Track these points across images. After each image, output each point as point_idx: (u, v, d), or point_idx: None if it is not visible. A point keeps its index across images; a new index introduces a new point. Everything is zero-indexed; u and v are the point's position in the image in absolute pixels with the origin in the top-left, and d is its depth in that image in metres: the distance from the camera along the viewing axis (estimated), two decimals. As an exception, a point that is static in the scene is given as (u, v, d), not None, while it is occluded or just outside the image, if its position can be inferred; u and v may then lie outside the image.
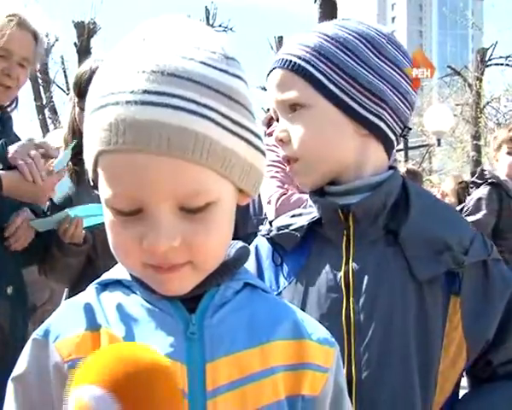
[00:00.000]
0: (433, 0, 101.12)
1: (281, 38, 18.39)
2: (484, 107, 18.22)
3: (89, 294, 0.88)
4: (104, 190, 0.81)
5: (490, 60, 17.63)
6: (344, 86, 1.20)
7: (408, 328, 1.16)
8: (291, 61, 1.23)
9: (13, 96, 2.34)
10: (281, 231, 1.26)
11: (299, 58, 1.22)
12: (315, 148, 1.22)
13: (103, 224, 0.85)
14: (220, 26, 18.59)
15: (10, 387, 0.84)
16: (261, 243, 1.30)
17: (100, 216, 1.93)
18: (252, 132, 0.85)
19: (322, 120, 1.21)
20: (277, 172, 2.47)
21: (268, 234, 1.28)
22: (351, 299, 1.17)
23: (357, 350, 1.15)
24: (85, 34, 16.28)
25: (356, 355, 1.15)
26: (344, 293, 1.17)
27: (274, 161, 2.49)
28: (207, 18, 18.49)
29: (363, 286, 1.17)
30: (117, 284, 0.88)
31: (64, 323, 0.84)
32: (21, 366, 0.84)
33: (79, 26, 16.41)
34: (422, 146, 21.18)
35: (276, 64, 1.26)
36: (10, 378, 0.84)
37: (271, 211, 2.42)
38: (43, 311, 2.82)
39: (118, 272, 0.90)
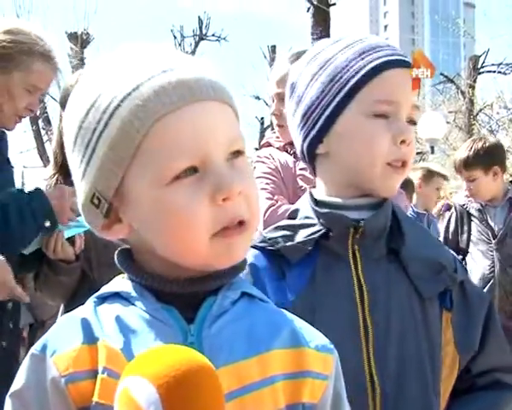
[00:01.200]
0: (425, 8, 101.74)
1: (274, 47, 18.44)
2: (477, 114, 18.28)
3: (87, 308, 0.88)
4: (156, 166, 0.82)
5: (482, 67, 17.69)
6: None
7: (419, 341, 1.19)
8: (407, 61, 1.25)
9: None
10: (288, 243, 1.23)
11: (405, 56, 1.25)
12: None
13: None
14: (213, 35, 18.61)
15: (8, 403, 0.83)
16: (256, 256, 1.25)
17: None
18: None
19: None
20: (267, 183, 2.48)
21: (272, 246, 1.24)
22: (366, 313, 1.18)
23: (379, 364, 1.16)
24: (78, 45, 16.27)
25: (377, 368, 1.15)
26: (359, 308, 1.18)
27: (264, 173, 2.51)
28: (200, 28, 18.52)
29: (378, 301, 1.18)
30: (115, 296, 0.88)
31: (61, 337, 0.84)
32: (19, 381, 0.83)
33: (72, 37, 16.41)
34: (416, 153, 21.25)
35: (394, 63, 1.23)
36: (8, 394, 0.83)
37: (260, 222, 2.42)
38: (52, 324, 2.79)
39: (116, 284, 0.90)
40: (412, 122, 1.24)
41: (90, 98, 0.86)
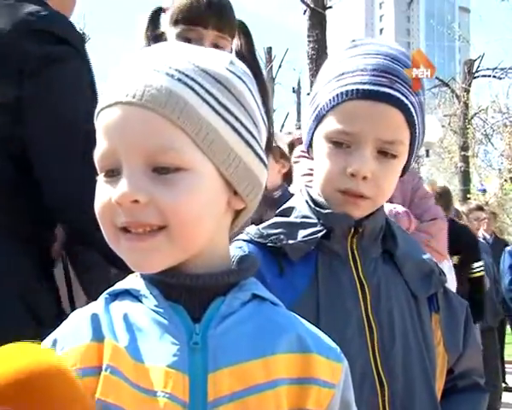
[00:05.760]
0: (420, 12, 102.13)
1: (270, 48, 18.46)
2: (471, 118, 18.34)
3: (98, 304, 0.88)
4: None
5: (477, 71, 17.75)
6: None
7: (418, 340, 1.21)
8: (389, 93, 1.17)
9: None
10: (291, 241, 1.20)
11: (391, 88, 1.17)
12: (388, 195, 1.24)
13: None
14: (209, 36, 18.59)
15: None
16: (253, 250, 1.20)
17: None
18: (246, 129, 0.87)
19: (399, 170, 1.24)
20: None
21: (272, 242, 1.20)
22: (370, 312, 1.18)
23: (386, 363, 1.16)
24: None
25: (384, 368, 1.16)
26: (363, 307, 1.18)
27: (310, 169, 2.51)
28: (197, 29, 18.50)
29: (380, 301, 1.19)
30: (126, 293, 0.88)
31: (71, 333, 0.85)
32: None
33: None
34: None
35: (362, 94, 1.17)
36: None
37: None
38: None
39: (128, 281, 0.90)
40: (389, 155, 1.19)
41: None
